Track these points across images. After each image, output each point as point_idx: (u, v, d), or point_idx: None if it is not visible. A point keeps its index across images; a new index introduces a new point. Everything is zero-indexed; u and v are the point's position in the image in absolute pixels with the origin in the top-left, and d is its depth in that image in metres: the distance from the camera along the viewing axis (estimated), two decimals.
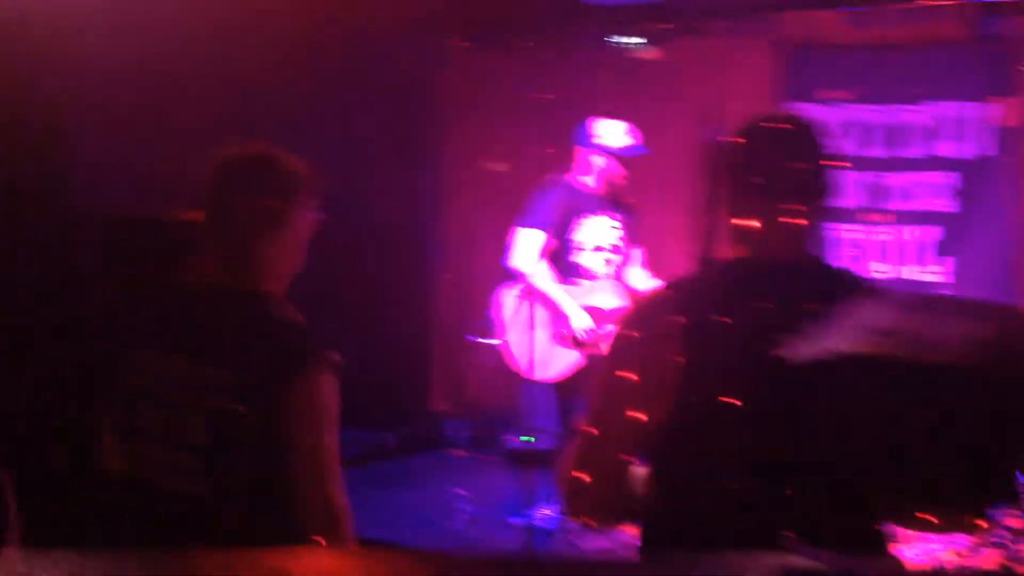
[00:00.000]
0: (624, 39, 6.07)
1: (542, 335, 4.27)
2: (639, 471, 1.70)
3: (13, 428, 2.20)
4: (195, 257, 2.02)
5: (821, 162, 1.69)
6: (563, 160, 4.64)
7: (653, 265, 4.72)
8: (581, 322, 4.24)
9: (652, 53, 5.94)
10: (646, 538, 1.72)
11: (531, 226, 4.29)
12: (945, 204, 5.29)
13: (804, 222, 1.67)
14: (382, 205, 5.91)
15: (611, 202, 4.42)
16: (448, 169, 6.56)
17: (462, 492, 4.91)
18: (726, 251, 1.72)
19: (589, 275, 4.36)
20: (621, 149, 4.31)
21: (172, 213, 2.27)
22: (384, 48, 5.84)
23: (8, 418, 2.35)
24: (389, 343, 5.96)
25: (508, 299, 4.34)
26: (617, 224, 4.41)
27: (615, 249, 4.41)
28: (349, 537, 1.81)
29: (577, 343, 4.28)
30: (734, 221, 1.69)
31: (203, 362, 1.83)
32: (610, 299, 4.34)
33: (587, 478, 1.67)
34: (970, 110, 5.17)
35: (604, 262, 4.38)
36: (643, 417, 1.63)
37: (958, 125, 5.25)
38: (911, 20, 5.18)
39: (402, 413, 6.14)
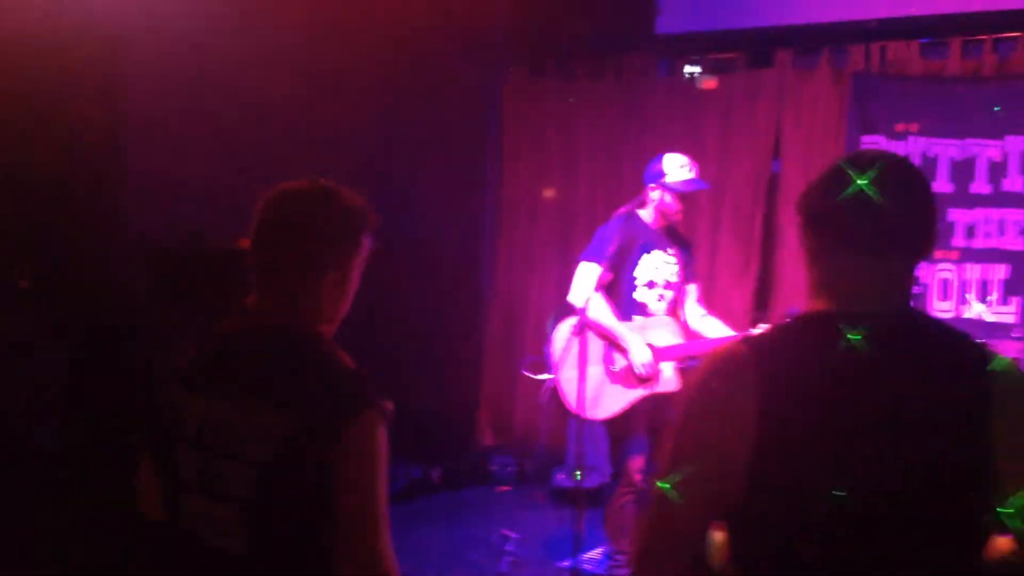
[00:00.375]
0: (689, 68, 5.96)
1: (596, 371, 4.12)
2: (719, 538, 1.56)
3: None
4: (243, 294, 1.91)
5: (927, 207, 1.53)
6: (628, 192, 4.53)
7: (708, 301, 4.57)
8: (641, 356, 4.09)
9: (715, 83, 5.81)
10: None
11: (590, 259, 4.17)
12: (1012, 243, 5.09)
13: (907, 273, 1.53)
14: (436, 232, 5.83)
15: (668, 236, 4.29)
16: (506, 199, 6.47)
17: (508, 533, 4.77)
18: (812, 303, 1.57)
19: (645, 311, 4.22)
20: (680, 184, 4.18)
21: (222, 244, 2.18)
22: (446, 74, 5.78)
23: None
24: (437, 375, 5.86)
25: (563, 333, 4.20)
26: (673, 259, 4.27)
27: (670, 285, 4.26)
28: None
29: (636, 379, 4.13)
30: (825, 272, 1.54)
31: (250, 407, 1.72)
32: (666, 336, 4.19)
33: (661, 544, 1.53)
34: None
35: (659, 298, 4.24)
36: (716, 485, 1.48)
37: None
38: (981, 52, 5.00)
39: (448, 447, 6.01)
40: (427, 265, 5.83)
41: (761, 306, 5.70)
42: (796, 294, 5.47)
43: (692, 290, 4.39)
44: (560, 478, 5.70)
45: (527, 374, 4.52)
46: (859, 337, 1.45)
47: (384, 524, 1.70)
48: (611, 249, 4.07)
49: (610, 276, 4.11)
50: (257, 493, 1.68)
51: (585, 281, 4.12)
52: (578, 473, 5.52)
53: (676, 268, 4.27)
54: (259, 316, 1.82)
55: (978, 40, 5.03)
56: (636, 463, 4.20)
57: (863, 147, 5.31)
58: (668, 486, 1.51)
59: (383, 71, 5.23)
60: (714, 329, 4.32)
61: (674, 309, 4.31)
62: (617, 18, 5.96)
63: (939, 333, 1.52)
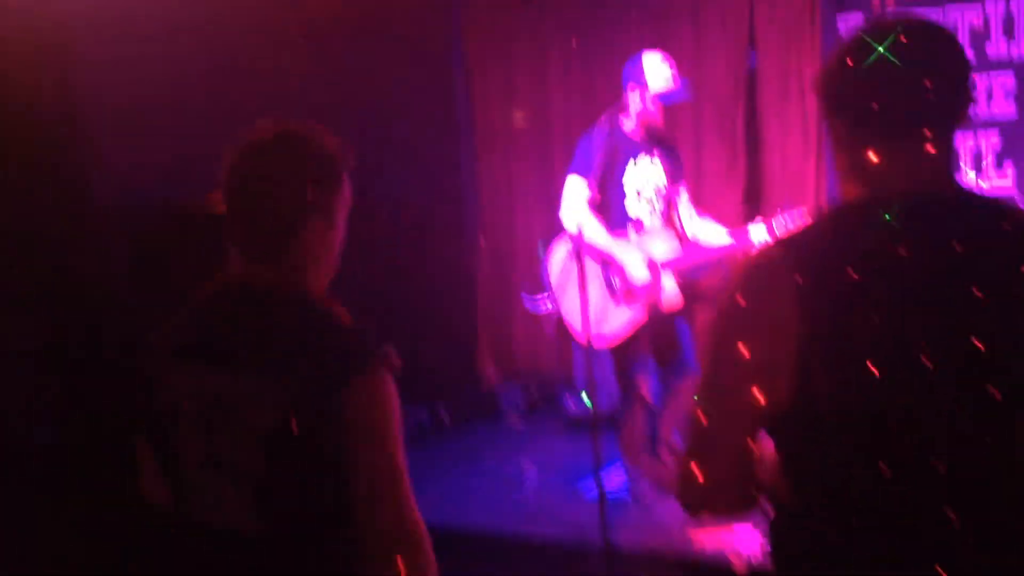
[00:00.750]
0: None
1: (596, 294, 4.01)
2: (768, 454, 1.46)
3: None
4: (224, 254, 1.76)
5: (958, 69, 1.40)
6: (603, 103, 4.37)
7: (697, 202, 4.44)
8: (640, 273, 3.98)
9: None
10: (775, 544, 1.48)
11: (577, 173, 4.02)
12: (1002, 109, 4.96)
13: (944, 146, 1.39)
14: (413, 174, 5.68)
15: (651, 141, 4.14)
16: (478, 125, 6.28)
17: (525, 463, 4.71)
18: (844, 192, 1.44)
19: (639, 224, 4.10)
20: (663, 94, 4.02)
21: (200, 204, 2.03)
22: (406, 10, 5.57)
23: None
24: (434, 314, 5.74)
25: (558, 258, 4.07)
26: (659, 164, 4.13)
27: (659, 191, 4.13)
28: (430, 561, 1.59)
29: (637, 297, 4.03)
30: (855, 156, 1.40)
31: (247, 376, 1.60)
32: (664, 249, 4.08)
33: (705, 469, 1.42)
34: None
35: (651, 208, 4.11)
36: (765, 399, 1.37)
37: (1007, 23, 4.90)
38: None
39: (453, 386, 5.93)
40: (406, 206, 5.67)
41: (751, 201, 5.60)
42: (785, 186, 5.36)
43: (683, 192, 4.27)
44: (570, 404, 5.63)
45: (527, 304, 4.40)
46: (898, 223, 1.33)
47: (405, 476, 1.59)
48: (596, 159, 3.93)
49: (598, 190, 3.97)
50: (267, 466, 1.57)
51: (575, 197, 3.99)
52: (587, 399, 5.47)
53: (663, 173, 4.14)
54: (246, 277, 1.68)
55: None
56: (645, 383, 4.13)
57: (840, 27, 5.15)
58: (709, 404, 1.40)
59: (339, 15, 5.03)
60: (710, 233, 4.21)
61: (668, 217, 4.19)
62: None
63: (995, 213, 1.38)
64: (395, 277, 5.38)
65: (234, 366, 1.62)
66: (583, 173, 3.99)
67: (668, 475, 4.25)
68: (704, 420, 1.42)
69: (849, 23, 5.10)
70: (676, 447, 4.34)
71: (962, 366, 1.31)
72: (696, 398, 1.43)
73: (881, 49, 1.36)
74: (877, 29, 1.38)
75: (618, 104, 4.04)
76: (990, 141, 5.01)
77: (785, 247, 1.40)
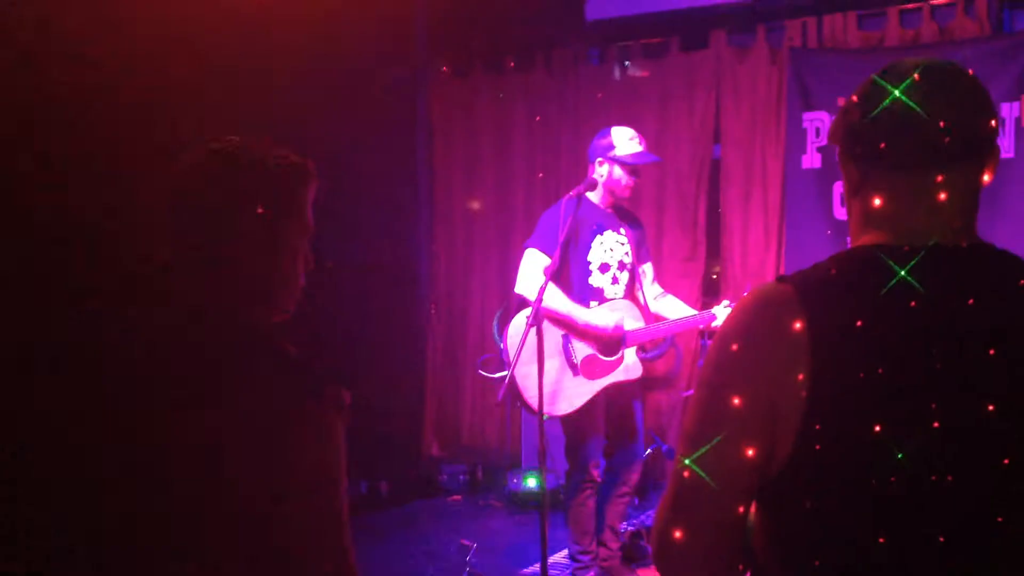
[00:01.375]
0: (623, 56, 5.79)
1: (554, 364, 3.89)
2: (756, 522, 1.33)
3: None
4: (167, 282, 1.61)
5: (982, 115, 1.31)
6: (566, 187, 4.34)
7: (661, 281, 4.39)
8: (606, 321, 3.87)
9: (649, 69, 5.65)
10: None
11: (536, 247, 3.93)
12: None
13: (966, 193, 1.31)
14: (369, 242, 5.59)
15: (618, 216, 4.09)
16: (439, 201, 6.22)
17: (466, 543, 4.52)
18: (858, 240, 1.35)
19: (601, 296, 4.01)
20: (631, 156, 3.98)
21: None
22: (370, 76, 5.54)
23: None
24: (380, 385, 5.57)
25: (516, 328, 3.95)
26: (625, 239, 4.07)
27: (624, 266, 4.06)
28: None
29: (594, 367, 3.92)
30: (869, 202, 1.31)
31: (183, 409, 1.45)
32: (625, 316, 3.98)
33: (688, 534, 1.29)
34: None
35: (614, 280, 4.03)
36: (759, 457, 1.25)
37: None
38: (920, 20, 4.91)
39: (395, 460, 5.72)
40: (361, 275, 5.55)
41: (709, 292, 5.57)
42: (745, 278, 5.34)
43: (648, 270, 4.21)
44: (515, 483, 5.46)
45: (483, 373, 4.26)
46: (912, 275, 1.24)
47: (347, 526, 1.45)
48: (560, 235, 3.84)
49: (557, 264, 3.88)
50: (199, 506, 1.41)
51: (533, 270, 3.89)
52: (535, 477, 5.30)
53: (629, 248, 4.08)
54: (181, 301, 1.54)
55: (916, 8, 4.94)
56: (595, 459, 3.99)
57: (805, 126, 5.20)
58: (698, 463, 1.27)
59: (303, 77, 4.97)
60: (675, 310, 4.14)
61: (631, 292, 4.11)
62: (545, 7, 5.77)
63: (1005, 264, 1.29)
64: (342, 342, 5.22)
65: (171, 400, 1.46)
66: (543, 247, 3.90)
67: (614, 560, 4.10)
68: (689, 479, 1.29)
69: (815, 123, 5.15)
70: (620, 532, 4.20)
71: (971, 432, 1.22)
72: (680, 454, 1.31)
73: (897, 92, 1.29)
74: (894, 71, 1.31)
75: (586, 181, 3.99)
76: None
77: (796, 285, 1.29)
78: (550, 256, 3.83)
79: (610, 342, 3.94)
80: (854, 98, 1.34)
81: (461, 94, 6.14)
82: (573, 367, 3.93)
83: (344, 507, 1.45)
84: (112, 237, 3.57)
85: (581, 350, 3.94)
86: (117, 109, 3.88)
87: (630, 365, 3.98)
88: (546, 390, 3.71)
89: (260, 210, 1.52)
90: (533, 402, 3.75)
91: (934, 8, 4.90)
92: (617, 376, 3.96)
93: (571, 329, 3.92)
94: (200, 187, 1.53)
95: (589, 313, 3.91)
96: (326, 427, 1.45)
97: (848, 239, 1.40)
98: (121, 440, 1.47)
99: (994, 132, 1.32)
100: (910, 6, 4.94)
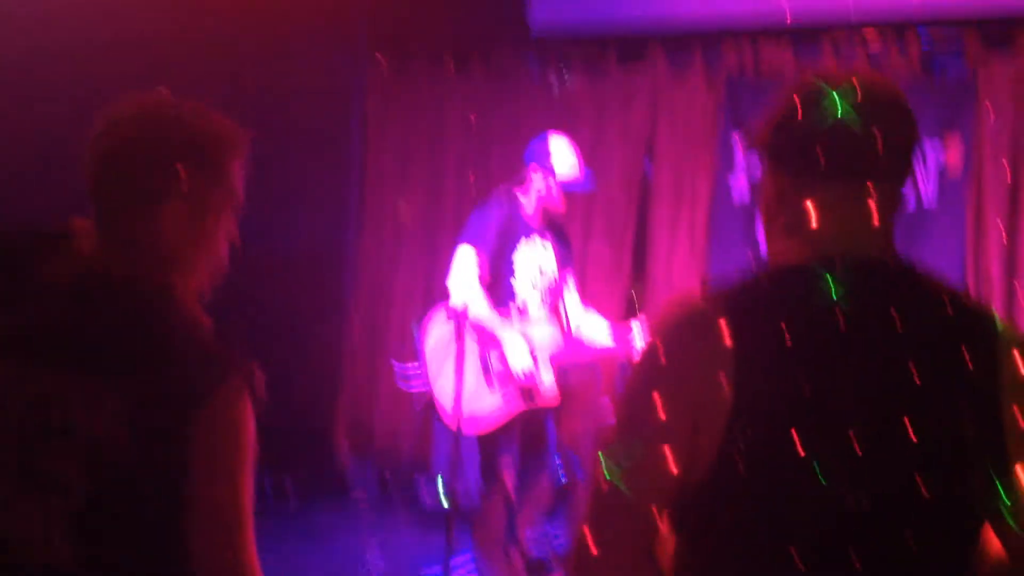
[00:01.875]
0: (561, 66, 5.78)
1: (472, 378, 3.82)
2: (668, 538, 1.31)
3: None
4: (71, 244, 1.52)
5: (911, 136, 1.32)
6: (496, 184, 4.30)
7: (583, 295, 4.37)
8: (520, 360, 3.82)
9: (587, 80, 5.65)
10: None
11: (469, 242, 3.86)
12: None
13: (890, 209, 1.31)
14: (294, 229, 5.46)
15: (545, 225, 4.06)
16: (369, 197, 6.12)
17: (370, 546, 4.43)
18: (781, 253, 1.34)
19: (523, 307, 3.97)
20: (568, 181, 3.95)
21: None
22: (306, 64, 5.44)
23: None
24: (292, 377, 5.44)
25: (436, 330, 3.89)
26: (550, 249, 4.04)
27: (547, 277, 4.04)
28: None
29: (515, 386, 3.86)
30: (795, 213, 1.31)
31: (78, 375, 1.36)
32: (545, 337, 3.96)
33: (602, 540, 1.26)
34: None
35: (537, 291, 4.00)
36: (676, 467, 1.23)
37: None
38: (855, 51, 4.98)
39: (303, 457, 5.60)
40: (284, 262, 5.43)
41: (631, 311, 5.57)
42: (668, 294, 5.35)
43: (570, 281, 4.18)
44: (425, 490, 5.38)
45: (397, 377, 4.19)
46: (837, 289, 1.23)
47: (250, 517, 1.38)
48: (491, 233, 3.80)
49: (487, 262, 3.83)
50: (89, 484, 1.33)
51: (465, 268, 3.83)
52: (443, 487, 5.23)
53: (553, 258, 4.05)
54: (94, 262, 1.45)
55: (850, 38, 5.01)
56: (508, 475, 3.95)
57: (735, 147, 5.26)
58: (617, 473, 1.24)
59: (239, 67, 4.87)
60: (593, 329, 4.12)
61: (554, 305, 4.09)
62: (487, 12, 5.74)
63: (937, 288, 1.31)
64: (255, 329, 5.08)
65: (65, 365, 1.38)
66: (476, 244, 3.85)
67: (517, 574, 4.06)
68: (605, 485, 1.26)
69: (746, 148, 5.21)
70: (527, 548, 4.16)
71: (891, 452, 1.21)
72: (601, 457, 1.28)
73: (834, 103, 1.28)
74: (830, 80, 1.30)
75: (517, 178, 3.95)
76: None
77: (715, 302, 1.28)
78: (483, 254, 3.78)
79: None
80: (787, 105, 1.33)
81: (397, 88, 6.06)
82: (490, 379, 3.88)
83: (246, 501, 1.39)
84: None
85: (497, 362, 3.89)
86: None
87: (547, 388, 3.93)
88: (463, 406, 3.64)
89: (184, 173, 1.45)
90: (448, 418, 3.69)
91: (868, 41, 4.97)
92: (533, 400, 3.91)
93: (491, 343, 3.87)
94: (123, 144, 1.46)
95: (508, 338, 3.84)
96: (234, 411, 1.38)
97: (766, 251, 1.39)
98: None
99: (915, 145, 1.33)
100: (842, 35, 5.00)
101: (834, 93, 1.28)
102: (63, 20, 3.93)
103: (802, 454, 1.19)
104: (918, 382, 1.21)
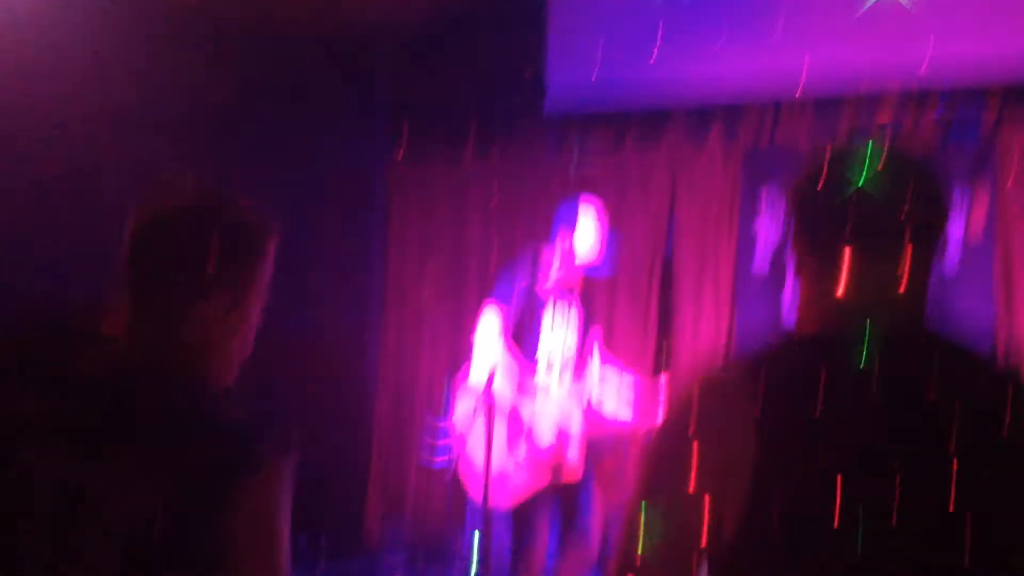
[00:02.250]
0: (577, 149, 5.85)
1: (499, 453, 3.79)
2: None
3: None
4: (110, 338, 1.56)
5: (940, 208, 1.33)
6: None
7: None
8: (544, 433, 3.80)
9: (605, 161, 5.70)
10: None
11: (493, 303, 3.88)
12: None
13: (919, 276, 1.31)
14: (324, 311, 5.51)
15: (570, 290, 4.05)
16: (391, 282, 6.19)
17: None
18: (805, 322, 1.34)
19: (547, 368, 3.93)
20: (587, 265, 3.97)
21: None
22: (326, 152, 5.57)
23: None
24: (325, 446, 5.44)
25: (463, 405, 3.88)
26: (575, 314, 4.03)
27: (572, 345, 4.01)
28: None
29: (539, 457, 3.84)
30: (825, 283, 1.31)
31: (117, 469, 1.38)
32: (570, 413, 3.92)
33: None
34: None
35: (562, 361, 3.98)
36: (706, 537, 1.23)
37: None
38: (873, 120, 5.03)
39: (336, 517, 5.56)
40: (310, 341, 5.48)
41: (656, 384, 5.52)
42: (691, 376, 5.30)
43: (596, 347, 4.14)
44: (456, 567, 5.32)
45: (424, 455, 4.16)
46: (865, 364, 1.23)
47: None
48: (516, 292, 3.81)
49: (512, 323, 3.83)
50: (121, 571, 1.34)
51: (489, 328, 3.82)
52: (475, 562, 5.16)
53: (577, 322, 4.03)
54: (132, 354, 1.48)
55: (869, 109, 5.05)
56: (541, 548, 3.90)
57: (757, 217, 5.28)
58: (652, 521, 1.24)
59: (257, 143, 4.99)
60: (620, 401, 4.09)
61: (580, 370, 4.05)
62: (504, 92, 5.84)
63: (966, 356, 1.30)
64: (291, 396, 5.12)
65: (103, 457, 1.40)
66: (501, 304, 3.86)
67: None
68: (633, 551, 1.26)
69: (766, 227, 5.22)
70: None
71: (921, 525, 1.20)
72: (632, 512, 1.27)
73: (859, 166, 1.29)
74: (855, 146, 1.32)
75: (545, 243, 3.96)
76: None
77: (741, 372, 1.28)
78: (508, 314, 3.79)
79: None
80: (813, 172, 1.34)
81: (417, 180, 6.15)
82: (516, 460, 3.85)
83: (286, 568, 1.40)
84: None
85: (523, 445, 3.86)
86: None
87: (572, 464, 3.89)
88: (491, 480, 3.61)
89: (229, 267, 1.49)
90: (475, 491, 3.67)
91: (885, 109, 5.01)
92: (557, 476, 3.87)
93: (515, 417, 3.86)
94: (168, 239, 1.50)
95: (535, 412, 3.82)
96: (266, 497, 1.40)
97: (793, 319, 1.40)
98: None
99: (947, 211, 1.35)
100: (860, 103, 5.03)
101: (860, 159, 1.30)
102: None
103: (828, 527, 1.18)
104: (948, 454, 1.21)
